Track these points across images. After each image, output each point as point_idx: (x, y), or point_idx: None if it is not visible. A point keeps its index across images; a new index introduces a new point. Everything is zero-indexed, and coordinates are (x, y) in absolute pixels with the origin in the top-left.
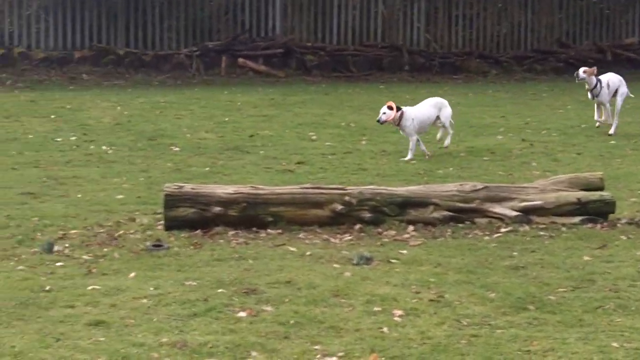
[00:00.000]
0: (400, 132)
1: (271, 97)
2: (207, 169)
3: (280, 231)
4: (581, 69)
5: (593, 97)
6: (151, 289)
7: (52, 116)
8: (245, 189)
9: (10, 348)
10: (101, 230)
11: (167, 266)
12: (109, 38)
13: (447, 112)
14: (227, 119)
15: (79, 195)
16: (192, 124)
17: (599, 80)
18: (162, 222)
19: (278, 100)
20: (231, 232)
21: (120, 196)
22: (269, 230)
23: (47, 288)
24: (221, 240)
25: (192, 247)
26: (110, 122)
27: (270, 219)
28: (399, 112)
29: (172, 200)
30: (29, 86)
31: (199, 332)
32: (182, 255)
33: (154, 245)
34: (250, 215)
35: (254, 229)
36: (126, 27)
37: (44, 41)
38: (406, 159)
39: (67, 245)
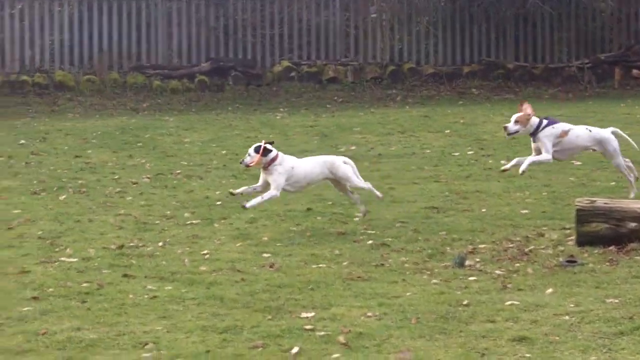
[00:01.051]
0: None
1: None
2: (612, 183)
3: None
4: None
5: None
6: (571, 305)
7: (447, 131)
8: None
9: None
10: (510, 245)
11: (584, 282)
12: (497, 52)
13: (341, 171)
14: (628, 132)
15: (483, 210)
16: None
17: None
18: (572, 237)
19: None
20: None
21: (525, 211)
22: None
23: (465, 302)
24: (637, 257)
25: (607, 263)
26: (506, 136)
27: None
28: (273, 155)
29: (585, 215)
30: (419, 101)
31: (628, 351)
32: (598, 272)
33: (568, 261)
34: None
35: None
36: (515, 41)
37: (432, 57)
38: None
39: (477, 259)
